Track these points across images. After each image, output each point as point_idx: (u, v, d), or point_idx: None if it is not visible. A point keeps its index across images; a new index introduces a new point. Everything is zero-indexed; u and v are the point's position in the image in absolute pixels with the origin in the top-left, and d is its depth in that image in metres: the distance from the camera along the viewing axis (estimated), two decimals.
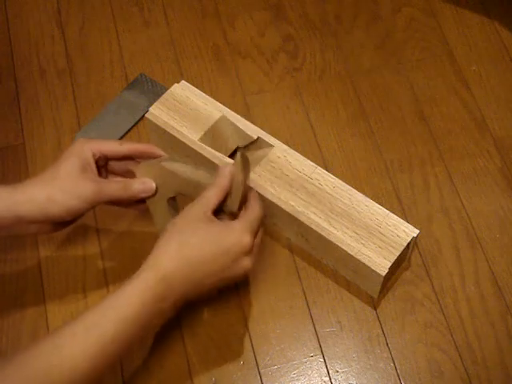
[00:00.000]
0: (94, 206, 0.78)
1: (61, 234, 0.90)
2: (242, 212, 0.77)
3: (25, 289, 0.88)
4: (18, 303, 0.87)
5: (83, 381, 0.67)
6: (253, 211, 0.76)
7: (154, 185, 0.80)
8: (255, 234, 0.76)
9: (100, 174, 0.81)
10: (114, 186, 0.79)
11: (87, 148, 0.78)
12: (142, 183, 0.80)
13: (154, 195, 0.81)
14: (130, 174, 0.83)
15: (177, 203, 0.83)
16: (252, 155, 0.91)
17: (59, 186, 0.75)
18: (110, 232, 0.92)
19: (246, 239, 0.74)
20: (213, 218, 0.75)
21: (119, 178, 0.84)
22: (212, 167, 0.85)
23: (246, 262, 0.75)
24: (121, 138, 0.98)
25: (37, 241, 0.91)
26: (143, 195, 0.80)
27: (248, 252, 0.75)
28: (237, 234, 0.74)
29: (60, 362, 0.66)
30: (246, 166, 0.77)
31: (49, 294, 0.87)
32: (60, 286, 0.88)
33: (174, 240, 0.73)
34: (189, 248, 0.72)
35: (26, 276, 0.89)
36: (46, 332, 0.85)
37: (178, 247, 0.72)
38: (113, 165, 0.83)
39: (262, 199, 0.86)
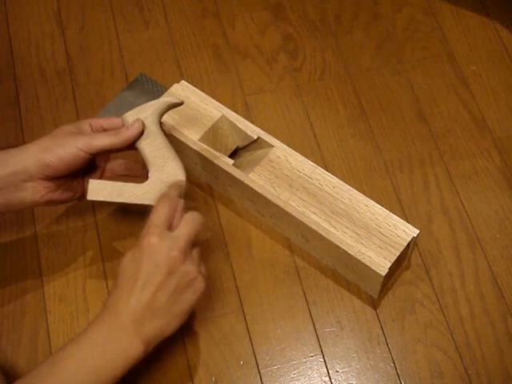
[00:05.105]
0: (88, 158, 0.79)
1: (61, 231, 0.91)
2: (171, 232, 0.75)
3: (25, 289, 0.88)
4: (18, 303, 0.87)
5: None
6: (180, 230, 0.75)
7: (141, 121, 0.80)
8: (185, 253, 0.74)
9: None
10: (105, 135, 0.79)
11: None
12: (131, 124, 0.80)
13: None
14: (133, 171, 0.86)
15: None
16: (252, 155, 0.91)
17: (51, 139, 0.79)
18: (111, 232, 0.92)
19: (173, 253, 0.73)
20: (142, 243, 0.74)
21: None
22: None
23: (199, 283, 0.74)
24: None
25: (37, 239, 0.91)
26: (136, 132, 0.79)
27: (179, 265, 0.73)
28: (164, 250, 0.73)
29: None
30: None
31: (48, 293, 0.87)
32: (60, 285, 0.88)
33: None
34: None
35: (26, 275, 0.89)
36: (45, 332, 0.85)
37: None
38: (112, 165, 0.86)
39: (262, 199, 0.86)
